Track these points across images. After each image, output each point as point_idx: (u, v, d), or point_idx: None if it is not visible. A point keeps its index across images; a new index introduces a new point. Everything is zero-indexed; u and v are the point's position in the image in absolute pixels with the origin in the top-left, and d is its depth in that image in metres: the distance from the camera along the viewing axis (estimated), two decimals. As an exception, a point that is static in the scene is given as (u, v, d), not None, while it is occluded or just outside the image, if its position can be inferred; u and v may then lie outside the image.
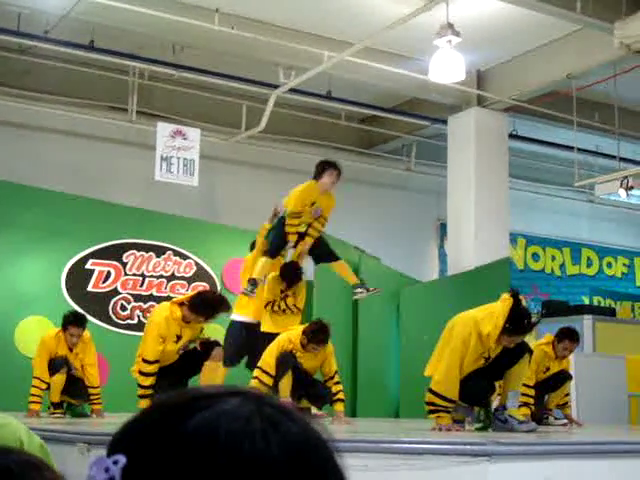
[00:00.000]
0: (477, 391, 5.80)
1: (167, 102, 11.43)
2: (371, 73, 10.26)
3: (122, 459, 0.74)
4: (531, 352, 5.98)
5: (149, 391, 6.22)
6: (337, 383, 7.26)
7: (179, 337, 6.35)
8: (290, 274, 7.96)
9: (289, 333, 7.21)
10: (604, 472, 4.08)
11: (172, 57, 10.57)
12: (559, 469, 3.89)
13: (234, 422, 0.74)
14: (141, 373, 6.28)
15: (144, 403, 6.15)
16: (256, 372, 7.04)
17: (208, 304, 6.35)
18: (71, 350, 7.63)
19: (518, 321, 5.56)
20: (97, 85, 11.16)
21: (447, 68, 8.83)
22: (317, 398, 7.27)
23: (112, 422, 6.67)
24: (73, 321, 7.59)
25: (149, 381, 6.24)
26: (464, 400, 5.82)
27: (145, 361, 6.27)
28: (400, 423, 7.55)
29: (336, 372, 7.29)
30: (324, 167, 7.92)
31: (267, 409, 0.76)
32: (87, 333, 7.75)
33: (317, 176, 7.95)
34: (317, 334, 6.92)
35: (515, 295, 5.68)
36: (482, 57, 10.59)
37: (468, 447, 3.54)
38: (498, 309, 5.59)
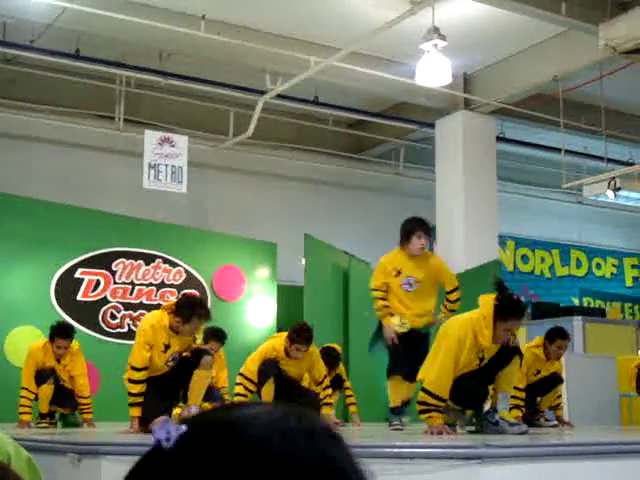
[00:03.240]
0: (470, 393, 5.79)
1: (154, 110, 11.42)
2: (358, 78, 10.28)
3: (183, 428, 0.82)
4: (521, 355, 5.98)
5: (138, 399, 6.19)
6: (326, 388, 7.26)
7: (167, 347, 6.29)
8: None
9: (273, 341, 7.21)
10: (595, 473, 4.09)
11: (158, 64, 10.57)
12: (550, 471, 3.89)
13: (278, 424, 0.82)
14: (129, 381, 6.25)
15: (134, 411, 6.12)
16: (239, 379, 7.03)
17: (185, 305, 6.27)
18: (59, 361, 7.58)
19: (507, 303, 5.57)
20: (84, 94, 11.14)
21: (434, 72, 8.86)
22: (305, 405, 7.24)
23: (103, 432, 6.65)
24: (59, 332, 7.52)
25: (137, 389, 6.20)
26: (457, 402, 5.82)
27: (133, 368, 6.24)
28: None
29: (325, 376, 7.29)
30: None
31: (307, 420, 0.86)
32: (76, 344, 7.69)
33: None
34: (300, 333, 6.92)
35: (499, 283, 5.71)
36: (468, 60, 10.62)
37: (459, 450, 3.54)
38: (485, 301, 5.62)
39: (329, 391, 7.32)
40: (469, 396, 5.82)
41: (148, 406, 6.12)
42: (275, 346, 7.03)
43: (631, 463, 4.19)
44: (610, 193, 11.23)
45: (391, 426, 6.63)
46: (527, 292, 14.16)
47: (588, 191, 11.75)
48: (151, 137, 10.09)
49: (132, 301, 9.77)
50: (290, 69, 9.98)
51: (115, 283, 9.70)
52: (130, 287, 9.80)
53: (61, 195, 10.02)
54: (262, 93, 10.55)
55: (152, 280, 9.94)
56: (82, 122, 11.14)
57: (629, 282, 16.16)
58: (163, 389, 6.24)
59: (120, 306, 9.70)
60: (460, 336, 5.57)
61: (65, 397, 7.64)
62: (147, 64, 10.56)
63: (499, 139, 11.93)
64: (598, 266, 15.79)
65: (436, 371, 5.54)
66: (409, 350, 6.49)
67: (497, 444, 3.79)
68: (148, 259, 9.95)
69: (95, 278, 9.60)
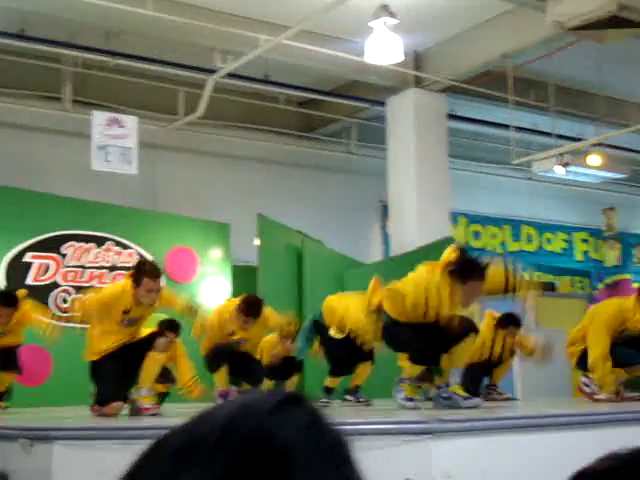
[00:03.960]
0: (426, 348, 5.80)
1: (102, 90, 11.26)
2: (308, 56, 10.22)
3: None
4: (477, 331, 6.02)
5: None
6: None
7: (126, 312, 6.22)
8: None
9: (226, 305, 7.35)
10: (547, 445, 4.15)
11: (106, 44, 10.41)
12: (502, 444, 3.94)
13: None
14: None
15: None
16: None
17: (136, 268, 6.29)
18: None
19: (469, 264, 5.62)
20: (30, 74, 10.94)
21: (384, 50, 8.85)
22: (252, 376, 7.41)
23: (55, 416, 6.58)
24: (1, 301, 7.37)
25: None
26: (414, 360, 5.85)
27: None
28: (340, 404, 7.67)
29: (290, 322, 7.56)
30: None
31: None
32: (26, 304, 7.52)
33: None
34: (250, 308, 7.14)
35: (460, 249, 5.79)
36: (419, 38, 10.62)
37: (411, 426, 3.56)
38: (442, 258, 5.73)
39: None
40: (426, 350, 5.82)
41: (105, 388, 6.08)
42: (227, 310, 7.22)
43: (581, 434, 4.26)
44: (559, 169, 11.37)
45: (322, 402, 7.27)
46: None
47: (537, 167, 11.86)
48: (99, 118, 9.94)
49: (83, 284, 9.65)
50: (240, 48, 9.89)
51: (65, 266, 9.58)
52: (81, 270, 9.69)
53: (8, 178, 9.85)
54: (212, 72, 10.45)
55: (103, 263, 9.84)
56: (29, 103, 10.93)
57: (579, 256, 16.40)
58: (120, 372, 6.19)
59: (71, 290, 9.59)
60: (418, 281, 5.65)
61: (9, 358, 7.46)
62: (94, 44, 10.39)
63: (449, 116, 11.97)
64: (548, 241, 15.99)
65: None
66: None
67: (449, 418, 3.82)
68: (99, 242, 9.85)
69: (45, 262, 9.47)
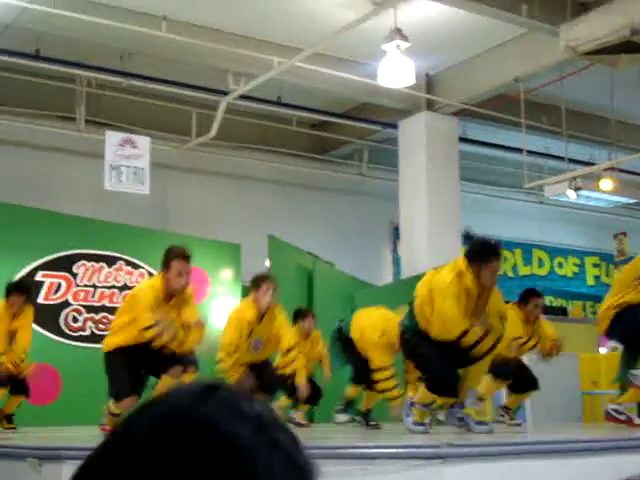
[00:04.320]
0: (445, 379, 5.75)
1: (116, 110, 11.32)
2: (321, 78, 10.27)
3: None
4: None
5: None
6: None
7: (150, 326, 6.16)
8: None
9: (241, 312, 7.27)
10: (558, 471, 4.11)
11: (120, 65, 10.48)
12: (512, 469, 3.91)
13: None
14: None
15: None
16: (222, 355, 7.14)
17: (165, 254, 6.25)
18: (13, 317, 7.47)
19: (480, 246, 5.69)
20: (44, 95, 11.02)
21: (396, 73, 8.87)
22: (267, 386, 7.35)
23: (65, 436, 6.56)
24: (14, 289, 7.52)
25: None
26: (433, 390, 5.78)
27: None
28: (355, 427, 7.63)
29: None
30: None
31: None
32: (30, 312, 7.63)
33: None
34: (260, 277, 7.31)
35: (467, 234, 5.86)
36: (431, 62, 10.66)
37: (422, 450, 3.54)
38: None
39: (293, 355, 7.52)
40: (445, 381, 5.76)
41: (120, 383, 6.01)
42: (245, 316, 7.13)
43: (592, 460, 4.23)
44: (571, 193, 11.34)
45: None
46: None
47: (549, 191, 11.83)
48: (112, 138, 9.99)
49: (94, 304, 9.67)
50: (253, 70, 9.94)
51: (77, 286, 9.59)
52: (92, 290, 9.70)
53: (22, 197, 9.89)
54: (225, 94, 10.50)
55: (114, 282, 9.84)
56: (43, 123, 11.01)
57: (590, 281, 16.33)
58: (135, 368, 6.10)
59: (82, 309, 9.60)
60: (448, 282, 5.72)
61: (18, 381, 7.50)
62: (108, 64, 10.46)
63: (461, 140, 11.99)
64: (560, 265, 15.93)
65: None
66: None
67: (460, 443, 3.79)
68: (110, 261, 9.86)
69: (56, 281, 9.48)
